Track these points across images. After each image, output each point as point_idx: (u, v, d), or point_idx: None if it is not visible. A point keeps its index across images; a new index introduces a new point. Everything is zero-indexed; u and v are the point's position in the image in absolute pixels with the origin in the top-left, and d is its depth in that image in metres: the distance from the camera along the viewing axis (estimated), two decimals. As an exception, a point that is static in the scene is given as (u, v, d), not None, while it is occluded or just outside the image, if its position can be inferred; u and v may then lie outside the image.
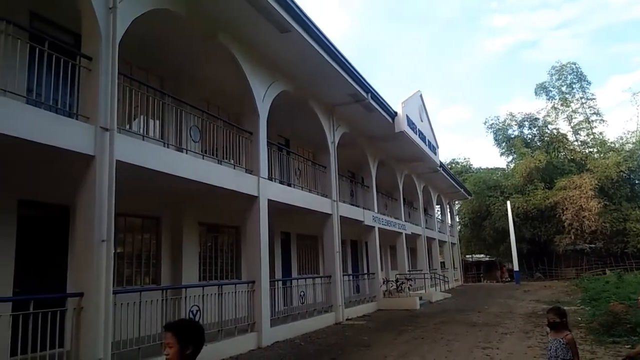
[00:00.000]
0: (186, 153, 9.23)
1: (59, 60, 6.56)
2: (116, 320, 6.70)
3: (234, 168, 10.36)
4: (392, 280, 19.31)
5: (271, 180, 11.61)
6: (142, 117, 9.24)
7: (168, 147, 8.96)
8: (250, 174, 10.72)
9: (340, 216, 15.11)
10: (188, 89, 11.13)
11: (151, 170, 7.73)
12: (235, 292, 9.88)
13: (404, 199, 23.88)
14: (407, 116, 18.25)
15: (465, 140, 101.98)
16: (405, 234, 21.89)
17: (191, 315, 8.50)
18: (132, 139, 7.62)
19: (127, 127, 8.62)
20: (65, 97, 7.21)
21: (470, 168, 55.04)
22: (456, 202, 43.21)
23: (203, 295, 8.88)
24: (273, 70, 11.68)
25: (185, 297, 8.62)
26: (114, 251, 6.77)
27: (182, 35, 9.70)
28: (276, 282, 12.50)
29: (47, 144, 5.96)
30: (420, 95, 21.56)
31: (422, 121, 21.27)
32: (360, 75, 13.79)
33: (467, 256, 47.09)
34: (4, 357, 6.22)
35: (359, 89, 14.03)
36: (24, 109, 5.93)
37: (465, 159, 68.13)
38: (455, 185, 32.60)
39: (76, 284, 6.64)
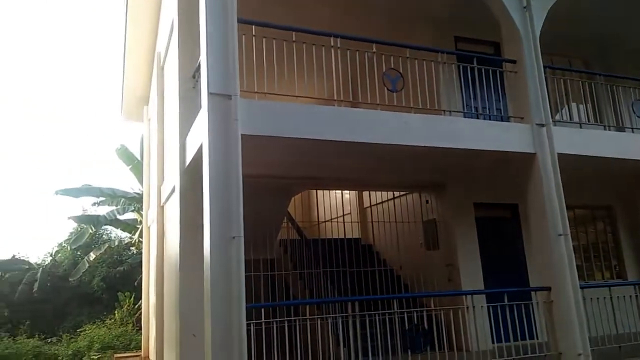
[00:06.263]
0: (632, 132, 8.15)
1: (487, 71, 7.10)
2: (587, 315, 6.48)
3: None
4: None
5: None
6: (572, 104, 8.83)
7: (609, 129, 8.22)
8: None
9: None
10: (617, 62, 9.98)
11: (593, 157, 7.25)
12: None
13: None
14: None
15: None
16: None
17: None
18: (567, 129, 7.42)
19: (558, 118, 8.41)
20: (496, 103, 7.74)
21: None
22: None
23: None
24: None
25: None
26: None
27: (599, 7, 8.76)
28: None
29: (493, 150, 6.54)
30: None
31: None
32: None
33: None
34: (489, 343, 7.03)
35: None
36: (470, 124, 6.73)
37: None
38: None
39: (539, 278, 6.84)
